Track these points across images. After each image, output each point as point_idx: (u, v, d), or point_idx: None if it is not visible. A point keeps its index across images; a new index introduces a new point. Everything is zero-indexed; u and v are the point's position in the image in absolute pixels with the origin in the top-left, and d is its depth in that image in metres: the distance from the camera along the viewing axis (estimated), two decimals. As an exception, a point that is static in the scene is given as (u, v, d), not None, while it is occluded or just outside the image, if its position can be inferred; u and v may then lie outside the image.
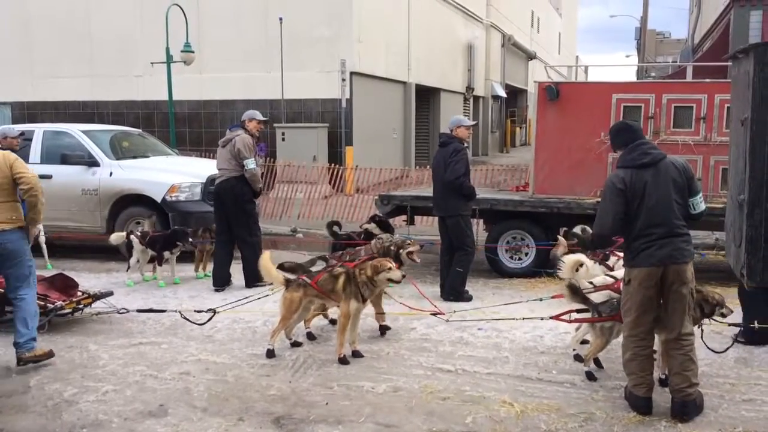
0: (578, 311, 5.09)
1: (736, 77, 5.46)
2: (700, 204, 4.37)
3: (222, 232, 7.76)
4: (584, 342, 5.32)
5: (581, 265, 5.31)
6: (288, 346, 5.59)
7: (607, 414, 4.32)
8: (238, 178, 7.55)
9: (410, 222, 9.15)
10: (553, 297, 5.83)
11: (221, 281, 7.69)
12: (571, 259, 5.02)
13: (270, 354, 5.38)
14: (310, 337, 5.84)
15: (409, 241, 6.32)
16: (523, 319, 5.84)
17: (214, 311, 6.08)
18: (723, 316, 4.78)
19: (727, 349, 5.07)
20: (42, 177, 8.97)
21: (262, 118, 7.92)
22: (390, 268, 5.31)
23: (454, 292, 7.10)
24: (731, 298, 6.85)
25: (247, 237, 7.59)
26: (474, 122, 7.98)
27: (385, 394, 4.67)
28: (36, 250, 8.69)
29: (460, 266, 7.14)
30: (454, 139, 7.21)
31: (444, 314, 6.05)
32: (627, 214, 4.25)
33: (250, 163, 7.50)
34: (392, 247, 6.16)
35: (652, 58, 47.79)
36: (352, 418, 4.29)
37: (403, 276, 5.42)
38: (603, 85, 8.54)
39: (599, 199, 7.71)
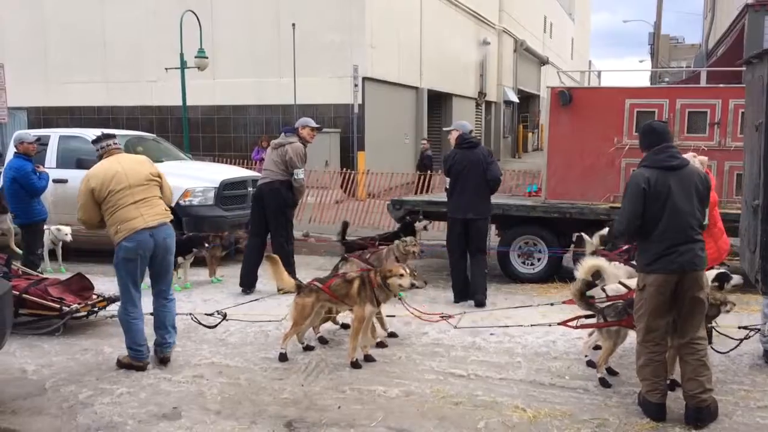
0: (586, 317, 5.08)
1: (750, 82, 5.44)
2: (705, 218, 4.38)
3: (257, 234, 7.79)
4: (597, 348, 5.30)
5: (598, 270, 5.29)
6: (300, 350, 5.61)
7: (620, 420, 4.29)
8: (284, 182, 7.57)
9: (425, 227, 9.14)
10: (564, 302, 5.81)
11: (249, 283, 7.72)
12: (588, 262, 5.00)
13: (282, 358, 5.40)
14: (322, 341, 5.85)
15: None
16: (531, 326, 5.82)
17: (224, 316, 6.13)
18: (728, 312, 4.76)
19: (733, 349, 5.03)
20: (57, 181, 9.16)
21: (315, 125, 7.90)
22: (401, 275, 5.27)
23: (485, 291, 7.17)
24: (744, 305, 6.85)
25: (285, 243, 7.56)
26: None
27: (398, 398, 4.67)
28: (52, 253, 8.88)
29: (486, 266, 7.23)
30: (479, 142, 7.42)
31: (453, 316, 6.05)
32: (645, 216, 4.23)
33: (300, 173, 7.57)
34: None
35: (666, 63, 47.55)
36: (364, 422, 4.29)
37: (413, 285, 5.30)
38: (616, 90, 8.50)
39: (612, 205, 7.75)
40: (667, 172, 4.23)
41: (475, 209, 7.11)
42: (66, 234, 8.81)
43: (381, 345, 5.73)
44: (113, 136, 5.45)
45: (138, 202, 5.13)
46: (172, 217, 5.42)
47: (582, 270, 4.94)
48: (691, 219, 4.21)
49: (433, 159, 18.23)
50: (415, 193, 13.37)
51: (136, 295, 5.26)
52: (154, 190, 5.29)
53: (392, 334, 5.97)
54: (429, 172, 13.98)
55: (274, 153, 7.65)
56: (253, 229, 7.89)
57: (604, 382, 4.84)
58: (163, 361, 5.33)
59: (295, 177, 7.56)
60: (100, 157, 5.34)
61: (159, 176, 5.38)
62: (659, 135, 4.40)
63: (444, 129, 8.21)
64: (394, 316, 6.06)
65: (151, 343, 5.42)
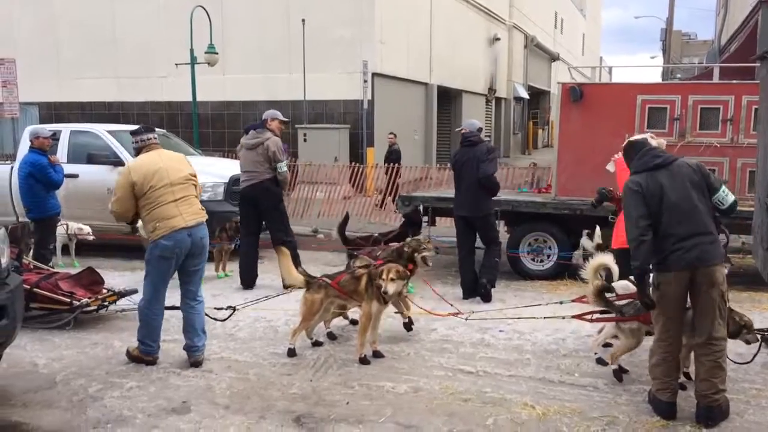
0: (601, 312, 5.04)
1: (764, 78, 5.39)
2: (726, 197, 4.23)
3: (251, 233, 7.77)
4: (606, 345, 5.27)
5: (606, 268, 5.25)
6: (309, 346, 5.62)
7: (630, 418, 4.27)
8: (272, 179, 7.56)
9: (431, 223, 9.13)
10: (574, 300, 5.78)
11: (249, 282, 7.72)
12: (595, 261, 4.96)
13: (291, 353, 5.41)
14: (331, 336, 5.85)
15: (424, 245, 5.99)
16: (544, 318, 5.80)
17: (233, 309, 6.15)
18: (747, 342, 4.67)
19: (753, 358, 4.97)
20: (68, 176, 9.17)
21: (283, 118, 7.92)
22: (383, 279, 5.17)
23: (493, 279, 7.18)
24: (756, 303, 6.79)
25: (285, 238, 7.55)
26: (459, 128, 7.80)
27: (406, 394, 4.67)
28: (65, 248, 8.93)
29: (497, 256, 7.26)
30: (482, 139, 7.34)
31: (463, 313, 6.03)
32: (650, 217, 4.19)
33: (284, 166, 7.55)
34: (407, 249, 5.92)
35: (678, 59, 47.20)
36: (373, 418, 4.29)
37: (385, 293, 5.17)
38: (627, 86, 8.43)
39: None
40: (655, 172, 4.21)
41: (470, 207, 7.10)
42: (88, 232, 8.87)
43: (407, 327, 5.84)
44: (153, 130, 5.39)
45: (178, 200, 5.10)
46: (207, 216, 5.34)
47: (589, 268, 4.90)
48: (692, 210, 4.13)
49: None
50: (385, 191, 13.44)
51: (163, 293, 5.25)
52: (192, 189, 5.24)
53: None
54: (396, 165, 14.01)
55: (251, 153, 7.54)
56: (246, 229, 7.82)
57: (617, 375, 4.80)
58: (194, 364, 5.21)
59: (279, 170, 7.51)
60: (138, 150, 5.30)
61: (195, 176, 5.33)
62: (638, 145, 4.41)
63: (456, 129, 8.19)
64: (399, 312, 6.04)
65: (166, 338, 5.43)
